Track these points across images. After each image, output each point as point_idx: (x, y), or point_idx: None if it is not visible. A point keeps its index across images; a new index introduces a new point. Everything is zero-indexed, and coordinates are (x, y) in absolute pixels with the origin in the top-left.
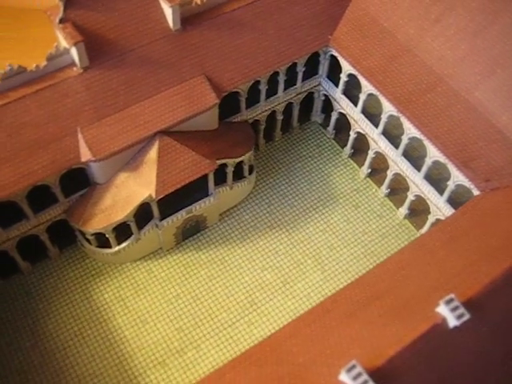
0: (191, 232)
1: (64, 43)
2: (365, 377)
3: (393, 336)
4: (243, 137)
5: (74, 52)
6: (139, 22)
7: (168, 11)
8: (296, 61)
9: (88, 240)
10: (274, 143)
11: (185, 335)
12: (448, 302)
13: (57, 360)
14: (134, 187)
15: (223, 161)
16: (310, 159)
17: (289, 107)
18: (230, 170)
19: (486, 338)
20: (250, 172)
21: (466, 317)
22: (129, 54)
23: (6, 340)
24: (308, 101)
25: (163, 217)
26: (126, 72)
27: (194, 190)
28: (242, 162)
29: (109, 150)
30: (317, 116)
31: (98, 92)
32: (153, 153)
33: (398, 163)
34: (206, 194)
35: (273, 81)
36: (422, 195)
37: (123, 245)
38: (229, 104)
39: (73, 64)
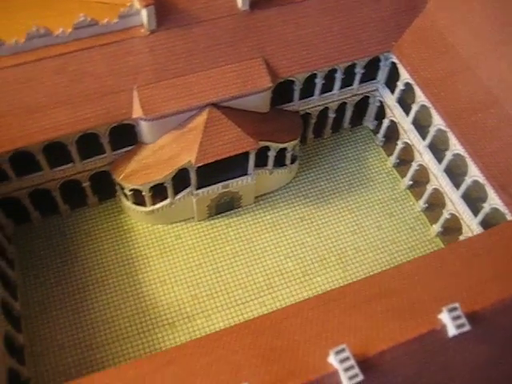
0: (225, 208)
1: (137, 4)
2: (351, 362)
3: (390, 332)
4: (291, 126)
5: (144, 14)
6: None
7: None
8: (356, 61)
9: (126, 195)
10: (322, 140)
11: (198, 303)
12: (451, 310)
13: (75, 300)
14: (177, 151)
15: (266, 143)
16: (354, 162)
17: (342, 107)
18: (271, 155)
19: (483, 354)
20: (293, 161)
21: (466, 328)
22: (195, 25)
23: (34, 272)
24: (363, 104)
25: (200, 186)
26: (190, 42)
27: (234, 167)
28: (285, 149)
29: (159, 112)
30: (369, 121)
31: (159, 55)
32: (200, 122)
33: (438, 178)
34: (245, 173)
35: (330, 77)
36: (457, 214)
37: (157, 206)
38: (283, 92)
39: (141, 25)
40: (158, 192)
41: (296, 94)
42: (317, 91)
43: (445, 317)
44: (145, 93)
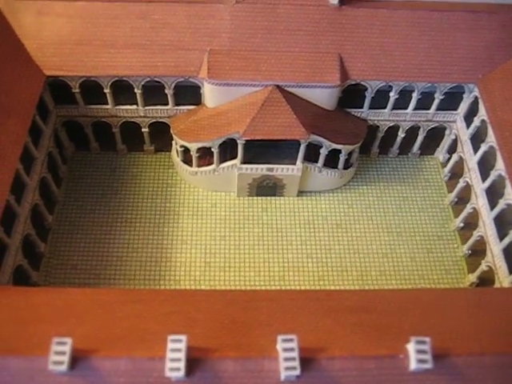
0: (266, 192)
1: None
2: (294, 354)
3: (350, 343)
4: (353, 131)
5: None
6: None
7: None
8: (436, 84)
9: (177, 151)
10: (386, 157)
11: (208, 271)
12: (419, 343)
13: (101, 231)
14: (230, 121)
15: (319, 138)
16: (411, 188)
17: (415, 130)
18: (323, 152)
19: None
20: (346, 167)
21: (428, 365)
22: (281, 6)
23: (76, 196)
24: (438, 133)
25: (245, 162)
26: (271, 20)
27: (284, 154)
28: (339, 151)
29: (223, 78)
30: (441, 153)
31: (239, 26)
32: (260, 99)
33: (486, 226)
34: (293, 163)
35: (405, 94)
36: (493, 267)
37: (202, 169)
38: (354, 96)
39: None
40: (206, 156)
41: (367, 102)
42: (389, 105)
43: (411, 347)
44: (215, 57)
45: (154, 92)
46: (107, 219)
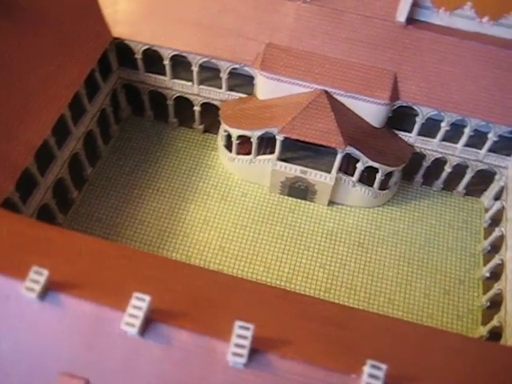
0: (297, 194)
1: None
2: (246, 342)
3: (307, 350)
4: (395, 153)
5: None
6: None
7: (404, 0)
8: (490, 124)
9: (221, 135)
10: (428, 189)
11: (220, 255)
12: (375, 367)
13: (132, 194)
14: (273, 115)
15: (355, 152)
16: (446, 226)
17: (462, 168)
18: (359, 167)
19: None
20: (382, 189)
21: None
22: (347, 13)
23: (119, 156)
24: (487, 176)
25: (282, 159)
26: (335, 25)
27: (322, 161)
28: (376, 170)
29: (275, 73)
30: (487, 198)
31: (301, 25)
32: (305, 100)
33: (508, 280)
34: (328, 172)
35: (458, 128)
36: (503, 324)
37: (239, 157)
38: (404, 118)
39: None
40: (246, 145)
41: (416, 128)
42: (439, 136)
43: (366, 370)
44: (272, 51)
45: (209, 74)
46: (141, 184)
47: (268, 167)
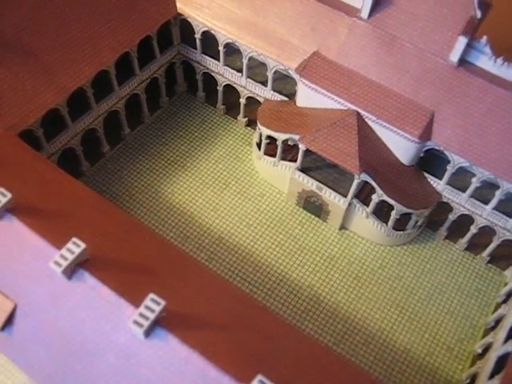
0: (312, 209)
1: None
2: (151, 315)
3: (212, 347)
4: (417, 196)
5: (367, 2)
6: (428, 25)
7: (460, 40)
8: None
9: (257, 132)
10: (451, 245)
11: (216, 244)
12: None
13: (161, 166)
14: (301, 124)
15: (371, 181)
16: (457, 288)
17: (490, 232)
18: (374, 199)
19: None
20: (397, 229)
21: None
22: (400, 41)
23: (160, 127)
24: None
25: (302, 170)
26: (384, 50)
27: (342, 183)
28: (391, 207)
29: (313, 82)
30: (511, 272)
31: (352, 41)
32: (335, 117)
33: (488, 360)
34: (344, 195)
35: (490, 188)
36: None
37: (265, 157)
38: (437, 163)
39: (357, 8)
40: (274, 147)
41: (446, 176)
42: (469, 191)
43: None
44: (316, 60)
45: (258, 69)
46: (169, 157)
47: (287, 174)
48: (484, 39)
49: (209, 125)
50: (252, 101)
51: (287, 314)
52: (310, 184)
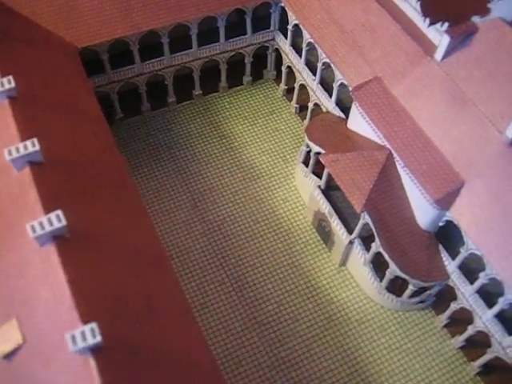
0: (321, 233)
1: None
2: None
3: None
4: (418, 266)
5: (443, 40)
6: (498, 90)
7: None
8: None
9: None
10: (444, 335)
11: (214, 236)
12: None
13: (202, 144)
14: (333, 143)
15: (371, 224)
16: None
17: (485, 339)
18: (373, 247)
19: None
20: (392, 292)
21: None
22: (462, 95)
23: (230, 106)
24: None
25: (322, 189)
26: (443, 100)
27: (355, 217)
28: (386, 265)
29: (360, 106)
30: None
31: (417, 79)
32: (366, 147)
33: None
34: (349, 231)
35: (497, 289)
36: None
37: (301, 164)
38: (456, 240)
39: (434, 48)
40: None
41: (459, 258)
42: (476, 285)
43: None
44: (374, 85)
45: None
46: (223, 133)
47: (311, 187)
48: None
49: (276, 117)
50: (317, 108)
51: (236, 319)
52: (324, 206)
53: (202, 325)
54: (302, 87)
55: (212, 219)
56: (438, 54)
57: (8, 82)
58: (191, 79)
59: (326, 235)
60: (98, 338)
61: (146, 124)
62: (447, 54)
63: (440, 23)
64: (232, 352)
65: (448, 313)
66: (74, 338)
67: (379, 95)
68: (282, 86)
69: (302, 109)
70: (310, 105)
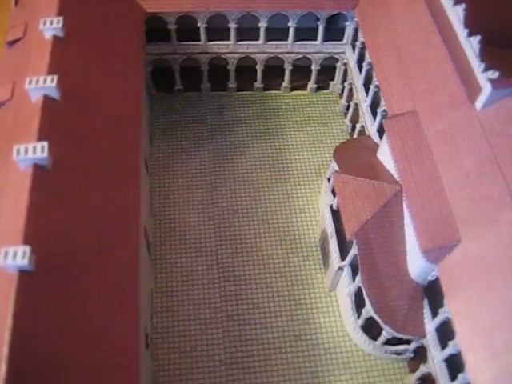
0: (322, 252)
1: (483, 75)
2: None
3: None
4: (393, 312)
5: (485, 90)
6: None
7: None
8: None
9: None
10: None
11: (221, 238)
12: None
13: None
14: (352, 167)
15: (356, 250)
16: None
17: None
18: (357, 281)
19: None
20: (370, 335)
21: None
22: (491, 156)
23: (285, 107)
24: None
25: (332, 210)
26: (469, 153)
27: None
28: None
29: (388, 134)
30: None
31: (450, 122)
32: (380, 178)
33: None
34: (339, 258)
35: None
36: None
37: (325, 181)
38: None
39: (479, 90)
40: None
41: (437, 320)
42: (444, 353)
43: None
44: (407, 119)
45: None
46: (268, 131)
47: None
48: None
49: (326, 130)
50: (364, 130)
51: (208, 305)
52: (328, 225)
53: (175, 300)
54: (357, 107)
55: (225, 206)
56: (479, 102)
57: (57, 22)
58: (255, 71)
59: (325, 256)
60: (25, 261)
61: (200, 101)
62: (488, 103)
63: (492, 71)
64: (192, 334)
65: (418, 374)
66: (6, 254)
67: (409, 130)
68: (343, 102)
69: (354, 128)
70: (358, 125)
